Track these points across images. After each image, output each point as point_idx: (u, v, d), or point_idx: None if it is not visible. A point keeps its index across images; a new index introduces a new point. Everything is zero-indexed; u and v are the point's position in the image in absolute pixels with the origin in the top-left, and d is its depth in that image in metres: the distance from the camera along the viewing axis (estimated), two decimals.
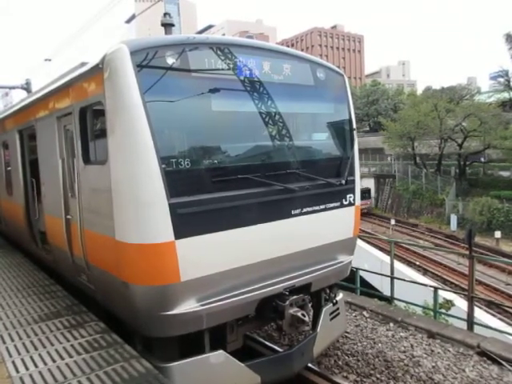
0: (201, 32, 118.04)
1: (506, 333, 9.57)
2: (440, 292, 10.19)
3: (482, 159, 44.41)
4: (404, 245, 29.63)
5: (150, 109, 4.43)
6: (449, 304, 11.82)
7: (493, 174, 45.84)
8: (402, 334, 8.16)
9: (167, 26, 5.88)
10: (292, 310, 5.42)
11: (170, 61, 4.64)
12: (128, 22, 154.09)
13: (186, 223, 4.58)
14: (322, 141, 6.61)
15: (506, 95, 48.88)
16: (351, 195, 6.37)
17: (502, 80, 50.03)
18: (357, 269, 10.66)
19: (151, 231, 4.48)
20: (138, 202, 4.50)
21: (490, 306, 18.03)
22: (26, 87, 19.62)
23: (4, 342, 4.88)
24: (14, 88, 21.49)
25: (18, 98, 13.41)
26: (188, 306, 4.73)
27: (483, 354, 7.15)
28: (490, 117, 41.45)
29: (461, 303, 12.84)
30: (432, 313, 9.77)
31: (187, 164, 4.65)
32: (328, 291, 6.76)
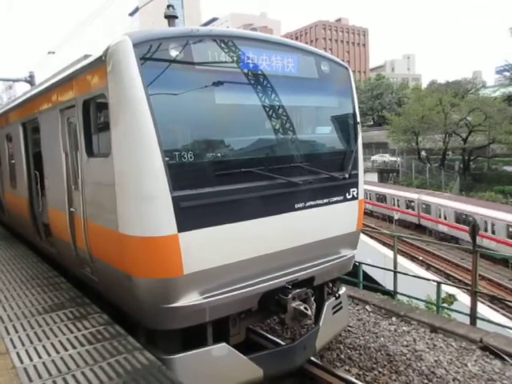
0: (205, 25, 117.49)
1: (508, 328, 9.57)
2: (443, 287, 10.18)
3: None
4: (407, 239, 29.66)
5: (153, 102, 4.41)
6: (451, 298, 11.78)
7: (497, 168, 45.65)
8: (404, 328, 8.17)
9: (171, 18, 5.85)
10: (295, 304, 5.43)
11: (174, 53, 4.61)
12: (131, 14, 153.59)
13: (189, 216, 4.58)
14: (325, 134, 6.57)
15: (511, 89, 48.53)
16: (355, 189, 6.35)
17: (507, 74, 49.67)
18: (360, 263, 10.66)
19: (154, 224, 4.49)
20: (141, 194, 4.50)
21: (493, 300, 18.03)
22: (30, 80, 19.63)
23: (8, 334, 4.91)
24: (17, 81, 21.51)
25: (22, 91, 13.42)
26: (191, 298, 4.74)
27: (486, 348, 7.16)
28: (495, 111, 41.27)
29: (464, 298, 12.84)
30: (435, 307, 9.78)
31: (190, 157, 4.63)
32: (331, 285, 6.76)
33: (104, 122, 5.10)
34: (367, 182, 42.30)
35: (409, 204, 37.28)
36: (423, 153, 50.91)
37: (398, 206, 38.42)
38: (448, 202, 32.72)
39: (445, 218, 32.57)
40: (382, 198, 40.93)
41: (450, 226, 31.80)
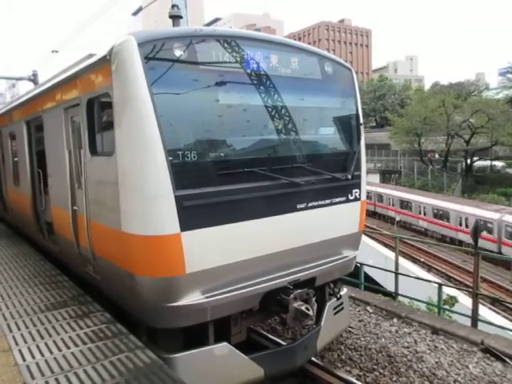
0: (208, 25, 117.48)
1: (510, 330, 9.55)
2: (444, 288, 10.17)
3: None
4: (409, 241, 29.63)
5: (157, 101, 4.42)
6: (453, 300, 11.79)
7: (499, 171, 45.61)
8: (405, 329, 8.16)
9: (175, 18, 5.87)
10: (296, 304, 5.43)
11: (178, 53, 4.63)
12: (135, 14, 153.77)
13: (192, 216, 4.59)
14: (328, 135, 6.58)
15: None
16: (357, 190, 6.35)
17: (510, 76, 49.61)
18: (361, 264, 10.66)
19: (157, 223, 4.50)
20: (144, 193, 4.51)
21: (494, 303, 18.01)
22: (33, 79, 19.70)
23: (11, 331, 4.93)
24: (20, 79, 21.57)
25: (25, 90, 13.46)
26: (193, 297, 4.76)
27: (487, 350, 7.14)
28: (498, 113, 41.23)
29: (465, 300, 12.83)
30: (436, 309, 9.77)
31: (194, 157, 4.65)
32: (332, 286, 6.77)
33: (108, 120, 5.12)
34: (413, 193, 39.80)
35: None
36: (436, 155, 50.87)
37: (467, 226, 29.45)
38: None
39: None
40: (442, 215, 33.03)
41: None
